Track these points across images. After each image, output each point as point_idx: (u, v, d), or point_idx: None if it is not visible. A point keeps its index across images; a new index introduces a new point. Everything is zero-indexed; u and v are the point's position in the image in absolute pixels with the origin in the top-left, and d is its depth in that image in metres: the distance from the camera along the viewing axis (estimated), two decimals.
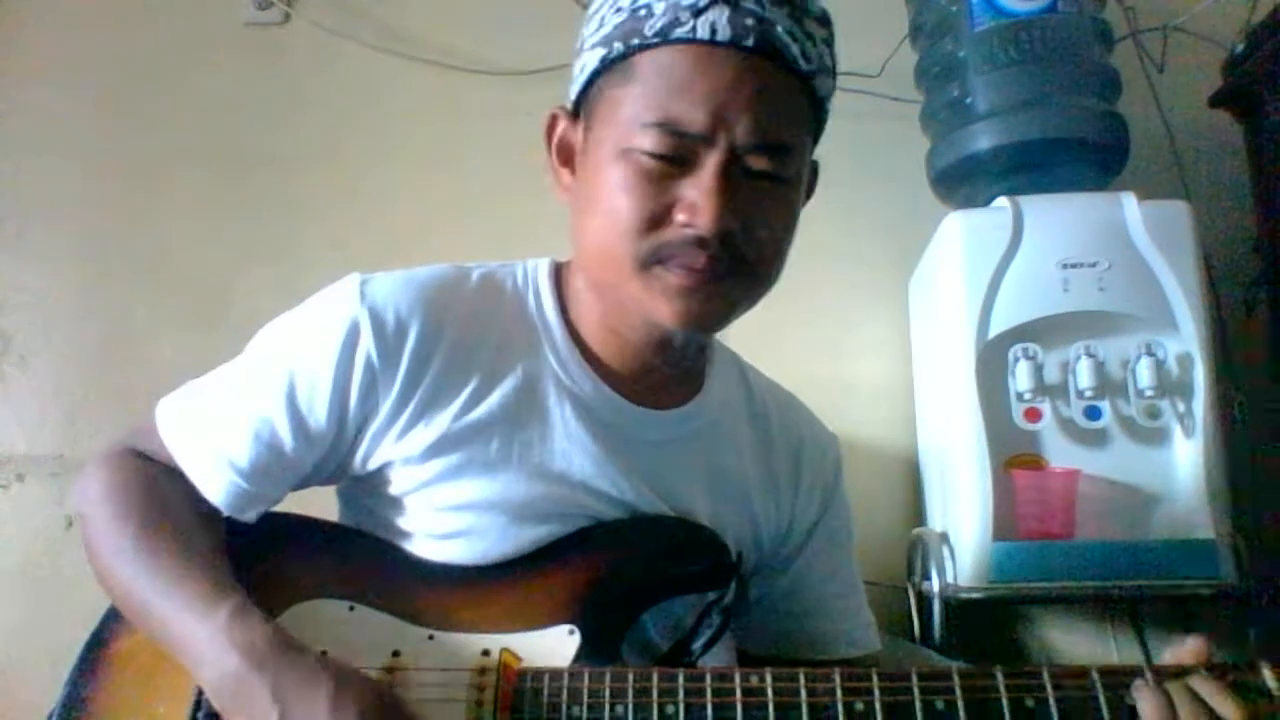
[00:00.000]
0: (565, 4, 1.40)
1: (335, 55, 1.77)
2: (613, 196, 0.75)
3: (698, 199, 0.73)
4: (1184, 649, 0.71)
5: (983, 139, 1.35)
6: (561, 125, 0.84)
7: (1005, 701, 0.68)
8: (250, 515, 0.81)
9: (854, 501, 1.58)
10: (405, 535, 0.82)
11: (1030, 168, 1.35)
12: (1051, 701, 0.68)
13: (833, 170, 1.67)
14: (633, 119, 0.74)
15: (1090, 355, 1.24)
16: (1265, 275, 1.45)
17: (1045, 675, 0.69)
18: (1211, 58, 1.54)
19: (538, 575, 0.79)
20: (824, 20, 0.79)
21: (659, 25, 0.73)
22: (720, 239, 0.73)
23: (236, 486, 0.79)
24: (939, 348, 1.38)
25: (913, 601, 1.39)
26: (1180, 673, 0.68)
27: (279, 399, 0.79)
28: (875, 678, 0.69)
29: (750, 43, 0.73)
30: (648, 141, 0.73)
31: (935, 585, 1.27)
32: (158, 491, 0.79)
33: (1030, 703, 0.68)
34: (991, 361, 1.26)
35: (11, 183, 1.74)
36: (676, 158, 0.74)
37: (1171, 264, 1.25)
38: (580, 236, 0.81)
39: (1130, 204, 1.28)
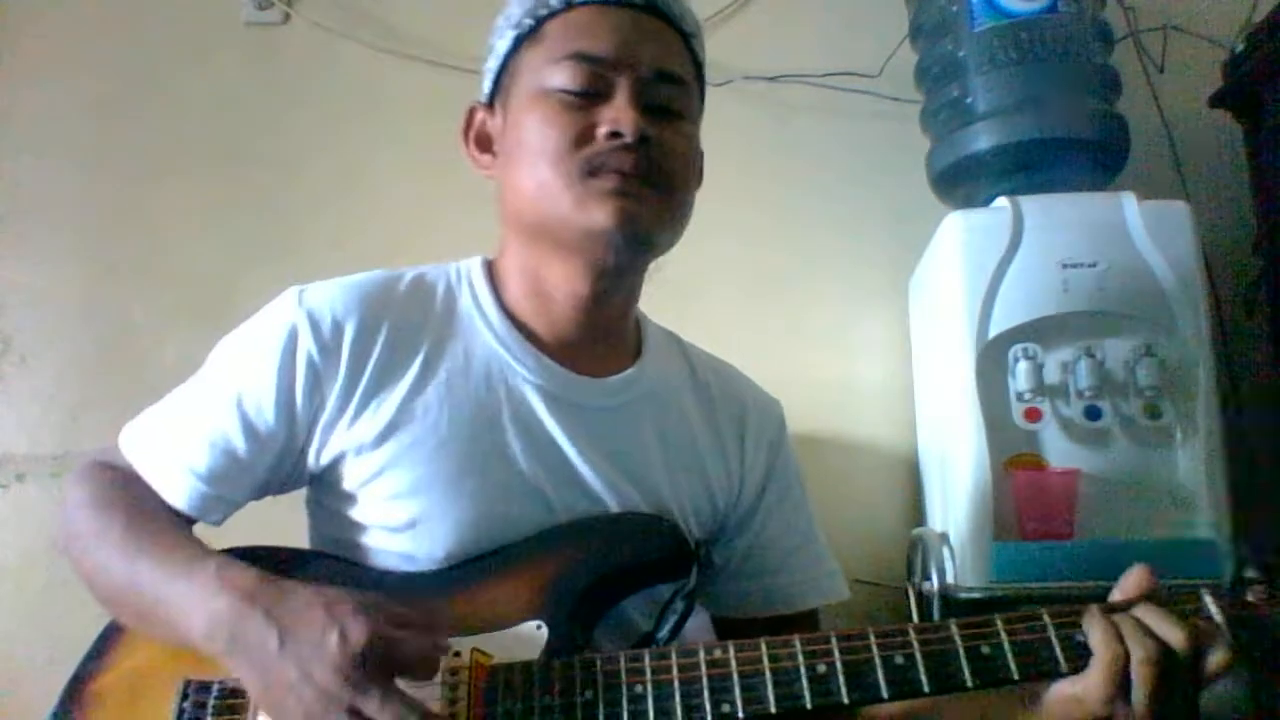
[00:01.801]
0: None
1: (335, 55, 1.77)
2: (537, 133, 0.83)
3: (618, 114, 0.82)
4: (1129, 581, 0.74)
5: (983, 139, 1.35)
6: (478, 117, 0.93)
7: (962, 650, 0.70)
8: (215, 518, 0.85)
9: (854, 501, 1.60)
10: (364, 530, 0.85)
11: (1030, 168, 1.35)
12: (1006, 645, 0.70)
13: (833, 170, 1.71)
14: (545, 62, 0.85)
15: (1090, 355, 1.24)
16: (1265, 275, 1.45)
17: (999, 622, 0.71)
18: (1211, 58, 1.54)
19: (502, 576, 0.81)
20: (688, 4, 0.92)
21: None
22: (641, 141, 0.81)
23: (197, 490, 0.83)
24: (939, 348, 1.38)
25: (913, 602, 1.39)
26: (1127, 606, 0.71)
27: (230, 408, 0.83)
28: (834, 639, 0.71)
29: (641, 1, 0.86)
30: (562, 77, 0.83)
31: (935, 585, 1.27)
32: (134, 490, 0.84)
33: (986, 649, 0.70)
34: (991, 361, 1.26)
35: (11, 183, 1.74)
36: (590, 91, 0.83)
37: (1171, 264, 1.25)
38: (512, 190, 0.87)
39: (1130, 204, 1.28)
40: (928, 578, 1.31)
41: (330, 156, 1.74)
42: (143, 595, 0.77)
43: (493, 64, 0.91)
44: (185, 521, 0.85)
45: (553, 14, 0.86)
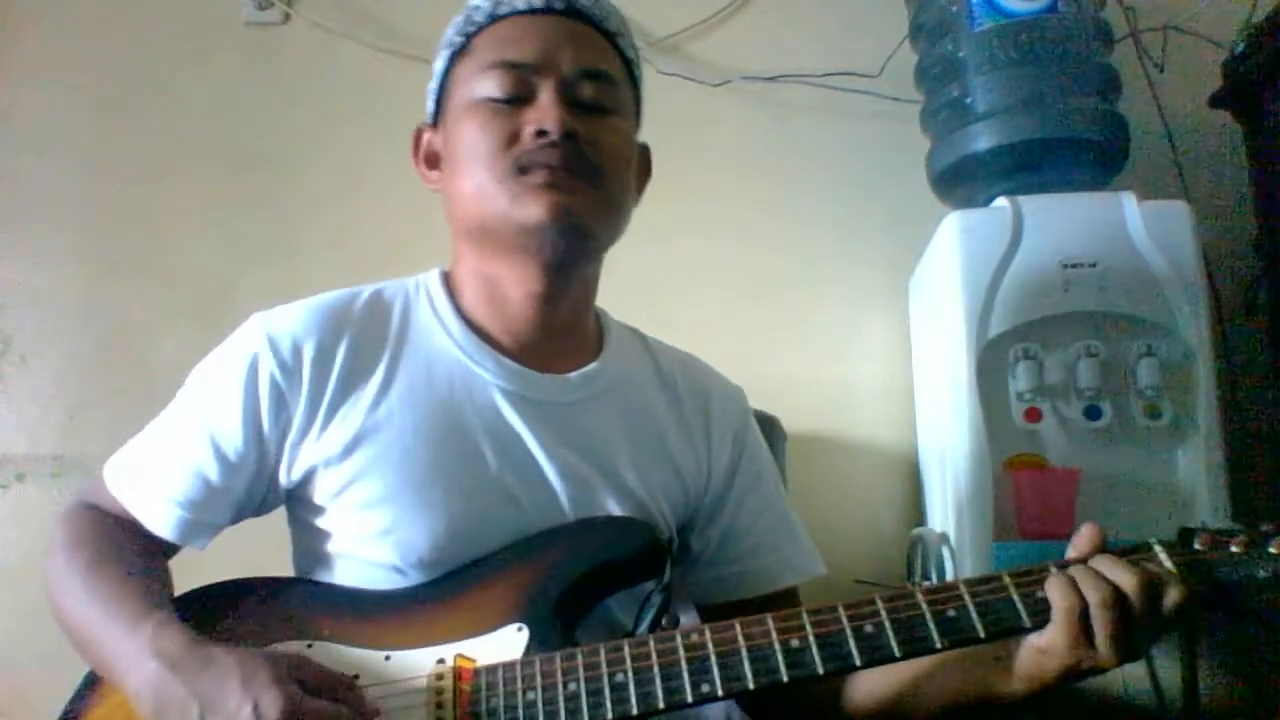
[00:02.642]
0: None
1: (335, 55, 1.77)
2: (470, 141, 0.87)
3: (542, 113, 0.85)
4: (1081, 538, 0.77)
5: (983, 139, 1.35)
6: (425, 137, 0.97)
7: (928, 615, 0.72)
8: (200, 543, 0.88)
9: (854, 501, 1.60)
10: (342, 542, 0.87)
11: (1030, 168, 1.35)
12: (970, 607, 0.73)
13: (832, 170, 1.71)
14: (474, 74, 0.89)
15: (1090, 355, 1.24)
16: (1265, 275, 1.45)
17: (962, 586, 0.74)
18: (1211, 58, 1.54)
19: (483, 584, 0.83)
20: (613, 5, 0.95)
21: (486, 10, 0.91)
22: (566, 137, 0.84)
23: (180, 518, 0.86)
24: (939, 348, 1.38)
25: None
26: (1081, 561, 0.75)
27: (202, 437, 0.86)
28: (805, 615, 0.74)
29: (561, 6, 0.90)
30: (489, 85, 0.87)
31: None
32: (105, 537, 0.87)
33: (951, 612, 0.73)
34: (991, 361, 1.26)
35: (11, 183, 1.74)
36: (517, 97, 0.87)
37: (1171, 264, 1.25)
38: (454, 198, 0.90)
39: (1130, 204, 1.28)
40: (928, 577, 1.31)
41: (330, 156, 1.74)
42: (92, 645, 0.80)
43: (433, 84, 0.96)
44: (167, 551, 0.89)
45: (480, 29, 0.91)
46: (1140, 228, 1.26)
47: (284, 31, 1.78)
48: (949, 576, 1.25)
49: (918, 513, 1.56)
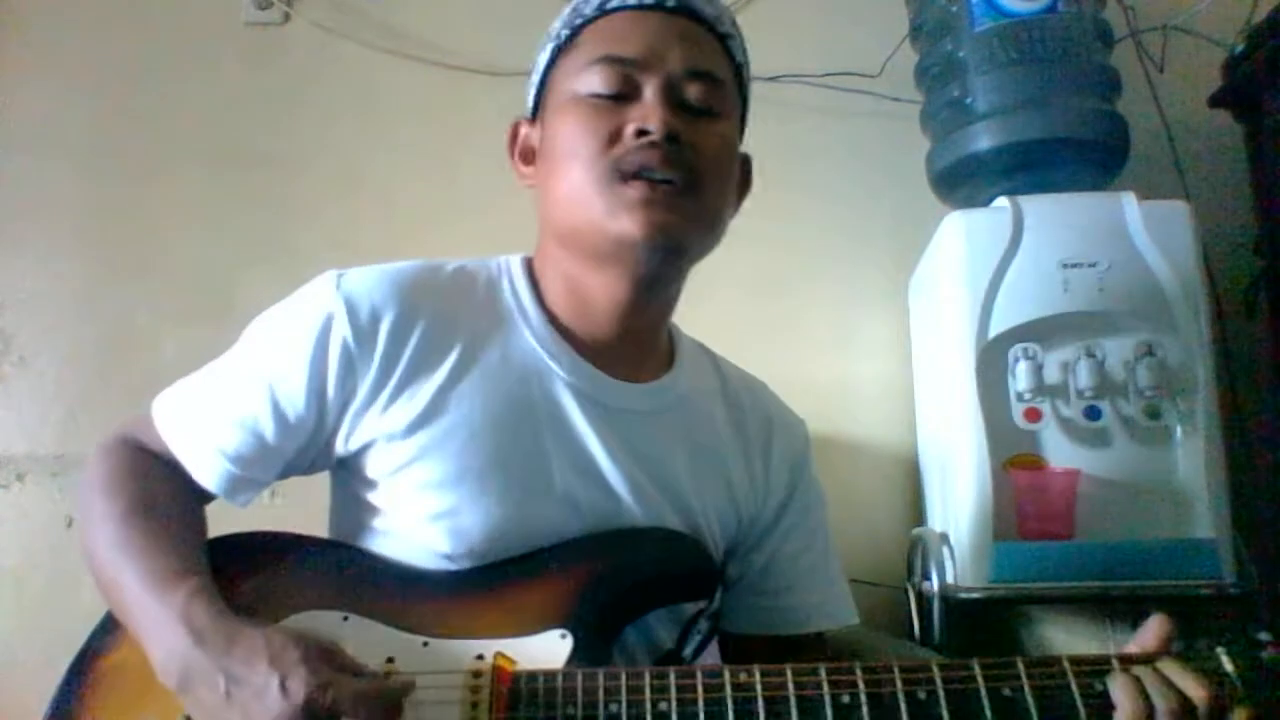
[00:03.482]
0: (564, 4, 1.40)
1: (335, 55, 1.77)
2: (570, 137, 0.84)
3: (645, 112, 0.82)
4: (1148, 633, 0.74)
5: (983, 139, 1.35)
6: (522, 131, 0.94)
7: (984, 690, 0.71)
8: (242, 499, 0.86)
9: (854, 501, 1.61)
10: (392, 519, 0.85)
11: (1030, 168, 1.35)
12: (1027, 689, 0.71)
13: (832, 170, 1.72)
14: (578, 69, 0.85)
15: (1090, 355, 1.24)
16: (1265, 275, 1.45)
17: (1020, 666, 0.72)
18: (1211, 58, 1.54)
19: (530, 582, 0.81)
20: (725, 5, 0.92)
21: (595, 3, 0.87)
22: (669, 139, 0.81)
23: (227, 472, 0.84)
24: (939, 348, 1.38)
25: (913, 602, 1.39)
26: (1147, 659, 0.72)
27: (262, 392, 0.83)
28: (859, 670, 0.72)
29: (672, 4, 0.86)
30: (593, 80, 0.84)
31: (935, 585, 1.27)
32: (146, 481, 0.83)
33: (1007, 692, 0.71)
34: (991, 361, 1.26)
35: (11, 183, 1.74)
36: (620, 93, 0.83)
37: (1171, 264, 1.25)
38: (548, 197, 0.87)
39: (1130, 204, 1.28)
40: (927, 577, 1.31)
41: (330, 156, 1.74)
42: (121, 599, 0.77)
43: (534, 77, 0.92)
44: (198, 509, 0.86)
45: (587, 22, 0.87)
46: (1140, 228, 1.26)
47: (284, 31, 1.79)
48: (949, 577, 1.25)
49: (918, 513, 1.56)
